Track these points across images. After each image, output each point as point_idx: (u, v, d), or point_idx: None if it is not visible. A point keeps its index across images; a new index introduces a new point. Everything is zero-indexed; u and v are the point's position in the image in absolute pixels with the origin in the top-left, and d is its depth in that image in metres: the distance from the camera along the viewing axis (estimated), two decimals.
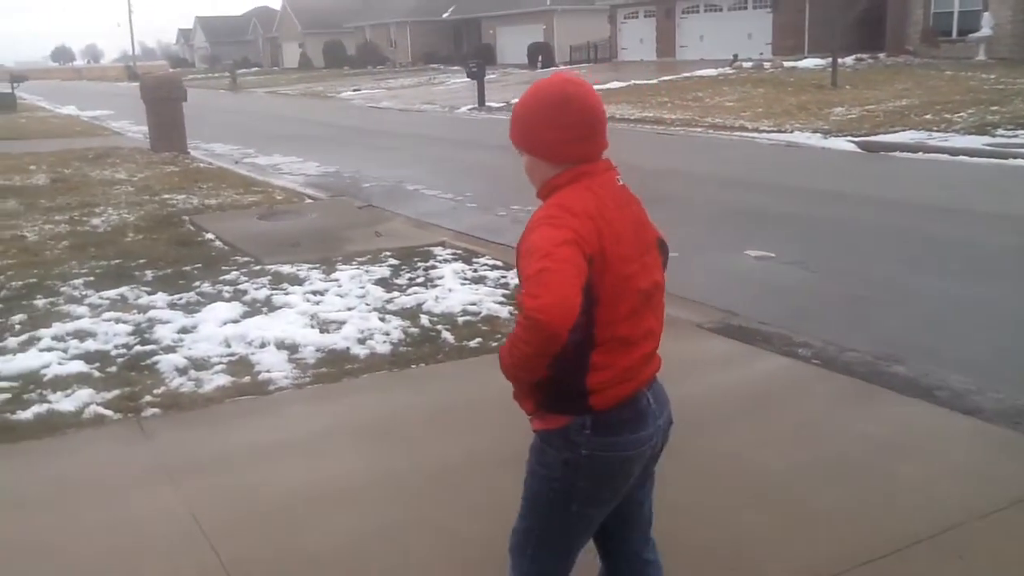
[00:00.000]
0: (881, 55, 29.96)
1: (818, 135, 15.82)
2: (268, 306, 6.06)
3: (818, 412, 4.30)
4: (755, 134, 16.77)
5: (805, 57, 31.19)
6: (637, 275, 2.07)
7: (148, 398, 4.56)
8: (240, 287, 6.56)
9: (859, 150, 14.36)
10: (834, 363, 4.90)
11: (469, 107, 25.83)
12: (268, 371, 4.90)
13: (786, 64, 30.35)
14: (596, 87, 2.12)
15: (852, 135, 15.37)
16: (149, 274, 7.06)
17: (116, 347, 5.35)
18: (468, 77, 26.88)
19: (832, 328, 5.57)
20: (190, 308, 6.06)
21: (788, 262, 7.36)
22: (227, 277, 6.88)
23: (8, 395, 4.63)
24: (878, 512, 3.34)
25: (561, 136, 2.06)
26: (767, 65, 30.95)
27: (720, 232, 8.63)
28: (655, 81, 28.98)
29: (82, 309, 6.09)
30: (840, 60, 24.47)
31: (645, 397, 2.13)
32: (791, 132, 16.41)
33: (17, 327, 5.74)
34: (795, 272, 7.10)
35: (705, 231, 8.70)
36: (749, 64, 31.38)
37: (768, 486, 3.55)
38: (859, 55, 29.21)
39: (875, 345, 5.20)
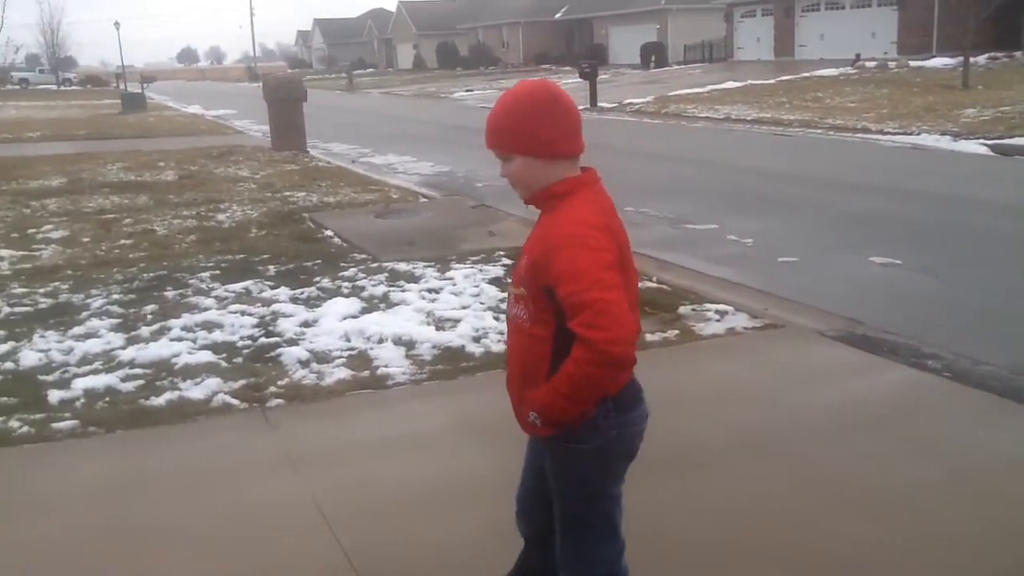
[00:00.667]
0: (1017, 54, 28.50)
1: (947, 137, 15.16)
2: (385, 302, 6.18)
3: (949, 427, 4.10)
4: (879, 136, 16.20)
5: (933, 56, 29.95)
6: (632, 280, 2.17)
7: (272, 389, 4.71)
8: (358, 283, 6.71)
9: (992, 153, 13.69)
10: (966, 377, 4.67)
11: (581, 108, 24.86)
12: (386, 366, 4.99)
13: (912, 64, 29.19)
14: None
15: (984, 137, 14.67)
16: (272, 269, 7.30)
17: (242, 338, 5.54)
18: (580, 77, 26.79)
19: (964, 340, 5.30)
20: (311, 303, 6.23)
21: (915, 270, 7.06)
22: (346, 273, 7.04)
23: (142, 382, 4.86)
24: (1011, 535, 3.16)
25: (556, 133, 2.10)
26: (892, 65, 29.85)
27: (843, 238, 8.35)
28: (772, 81, 28.29)
29: (209, 301, 6.34)
30: (972, 59, 23.36)
31: (635, 379, 2.25)
32: (918, 134, 15.78)
33: (149, 317, 6.02)
34: (923, 280, 6.81)
35: (827, 236, 8.44)
36: (873, 64, 30.30)
37: (891, 501, 3.40)
38: (993, 54, 27.88)
39: (1011, 359, 4.92)
